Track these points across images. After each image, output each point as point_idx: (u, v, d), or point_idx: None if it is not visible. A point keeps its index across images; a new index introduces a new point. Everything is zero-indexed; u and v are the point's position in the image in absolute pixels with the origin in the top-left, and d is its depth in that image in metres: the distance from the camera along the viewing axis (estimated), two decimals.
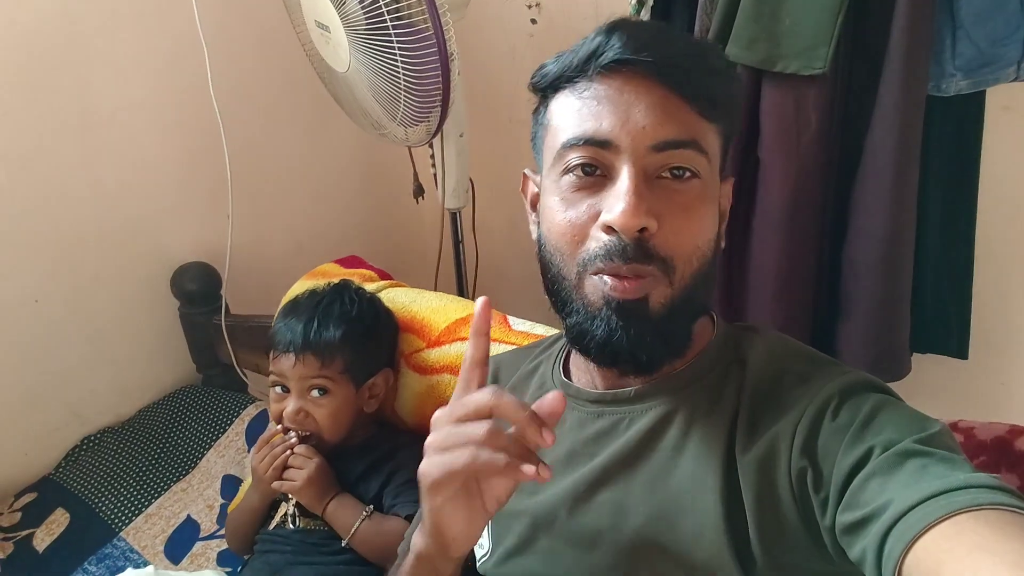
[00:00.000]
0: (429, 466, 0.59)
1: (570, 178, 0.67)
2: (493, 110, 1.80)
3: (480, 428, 0.56)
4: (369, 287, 1.28)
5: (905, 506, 0.50)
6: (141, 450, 1.51)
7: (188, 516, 1.39)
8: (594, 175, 0.66)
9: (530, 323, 1.13)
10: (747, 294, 1.33)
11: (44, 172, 1.42)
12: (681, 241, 0.65)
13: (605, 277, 0.65)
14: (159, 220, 1.61)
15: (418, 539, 0.67)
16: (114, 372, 1.60)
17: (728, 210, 0.75)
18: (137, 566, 1.25)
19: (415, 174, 1.71)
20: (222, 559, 1.29)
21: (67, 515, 1.38)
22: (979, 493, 0.49)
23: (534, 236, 0.75)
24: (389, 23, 1.18)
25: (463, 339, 0.58)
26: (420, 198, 1.75)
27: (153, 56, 1.52)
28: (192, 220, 1.65)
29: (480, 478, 0.60)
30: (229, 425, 1.56)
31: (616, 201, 0.63)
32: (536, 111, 0.74)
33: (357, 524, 1.04)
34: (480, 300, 0.62)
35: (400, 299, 1.25)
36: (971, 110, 1.21)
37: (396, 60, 1.21)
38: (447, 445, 0.58)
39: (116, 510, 1.39)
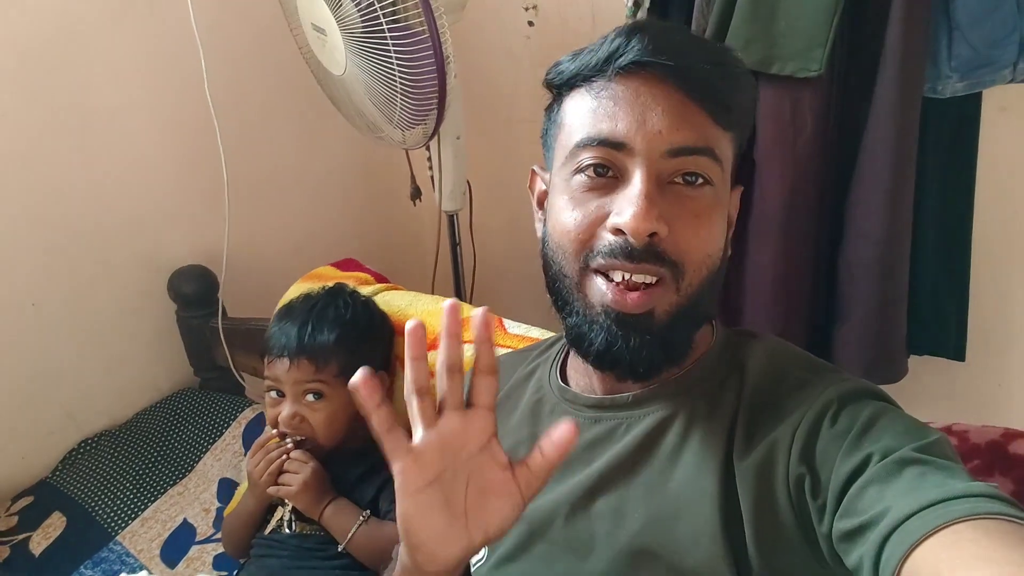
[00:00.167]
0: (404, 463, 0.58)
1: (581, 178, 0.66)
2: (490, 112, 1.80)
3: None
4: (365, 290, 1.27)
5: (903, 514, 0.50)
6: (138, 453, 1.51)
7: (184, 520, 1.38)
8: (606, 176, 0.65)
9: (526, 326, 1.13)
10: (744, 296, 1.33)
11: (40, 175, 1.41)
12: (691, 248, 0.65)
13: (604, 287, 0.65)
14: (156, 223, 1.61)
15: (401, 548, 0.66)
16: (111, 375, 1.60)
17: (735, 219, 0.74)
18: (133, 570, 1.24)
19: (412, 176, 1.71)
20: (218, 563, 1.29)
21: (63, 519, 1.37)
22: (977, 502, 0.49)
23: (539, 234, 0.75)
24: (385, 26, 1.17)
25: (467, 342, 0.58)
26: (417, 200, 1.74)
27: (149, 58, 1.51)
28: (189, 223, 1.65)
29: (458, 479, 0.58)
30: (226, 428, 1.56)
31: (627, 204, 0.62)
32: (549, 108, 0.74)
33: (353, 529, 1.03)
34: (480, 311, 0.60)
35: (396, 302, 1.24)
36: (967, 112, 1.21)
37: (392, 63, 1.20)
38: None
39: (113, 514, 1.39)
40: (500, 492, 0.58)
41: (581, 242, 0.66)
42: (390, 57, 1.20)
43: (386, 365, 1.18)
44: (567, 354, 0.81)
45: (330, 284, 1.22)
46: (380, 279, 1.39)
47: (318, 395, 1.08)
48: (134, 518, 1.39)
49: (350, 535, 1.04)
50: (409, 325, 0.57)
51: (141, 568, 1.26)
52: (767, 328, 1.29)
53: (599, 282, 0.65)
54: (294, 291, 1.33)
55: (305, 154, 1.86)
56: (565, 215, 0.67)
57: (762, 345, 0.72)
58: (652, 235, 0.63)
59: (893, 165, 1.16)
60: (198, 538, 1.35)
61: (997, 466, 0.79)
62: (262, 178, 1.76)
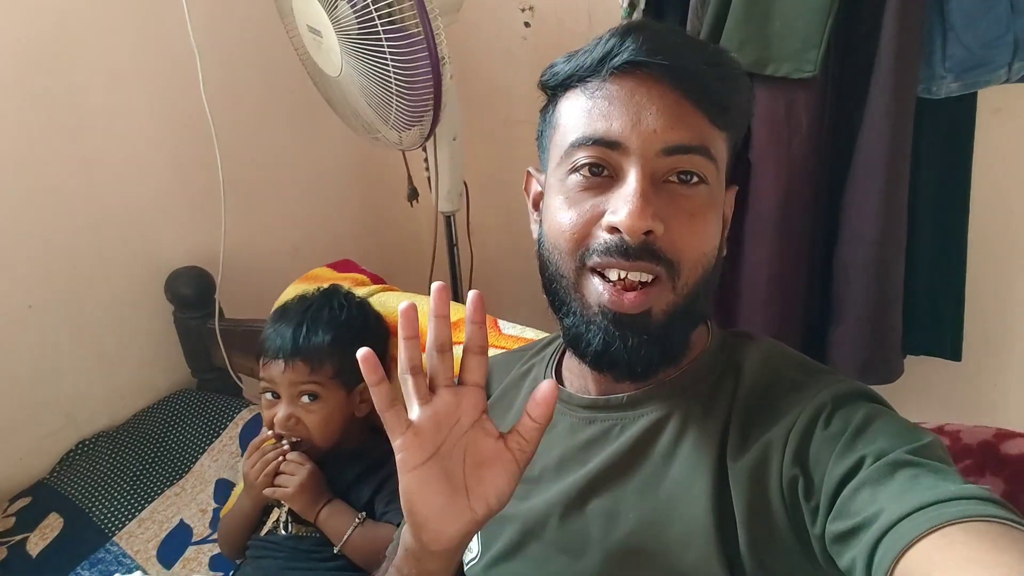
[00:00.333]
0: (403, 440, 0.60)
1: (576, 177, 0.67)
2: (487, 113, 1.80)
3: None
4: (360, 291, 1.28)
5: (895, 516, 0.50)
6: (135, 454, 1.51)
7: (181, 520, 1.39)
8: (601, 176, 0.66)
9: (520, 327, 1.13)
10: (739, 297, 1.33)
11: (37, 176, 1.41)
12: (687, 246, 0.65)
13: (601, 287, 0.65)
14: (153, 225, 1.61)
15: (404, 531, 0.67)
16: (108, 376, 1.60)
17: (730, 218, 0.75)
18: (129, 571, 1.25)
19: (409, 177, 1.71)
20: (214, 564, 1.29)
21: (61, 520, 1.37)
22: (970, 505, 0.49)
23: (535, 235, 0.75)
24: (380, 27, 1.17)
25: (459, 342, 0.58)
26: (414, 202, 1.75)
27: (145, 60, 1.51)
28: (186, 224, 1.65)
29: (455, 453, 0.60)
30: (223, 429, 1.56)
31: (622, 203, 0.63)
32: (544, 109, 0.74)
33: (349, 531, 1.04)
34: (472, 293, 0.61)
35: (391, 303, 1.25)
36: (962, 112, 1.21)
37: (387, 64, 1.21)
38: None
39: (110, 515, 1.39)
40: (495, 462, 0.61)
41: (577, 241, 0.66)
42: (385, 58, 1.20)
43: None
44: (562, 355, 0.81)
45: (325, 285, 1.22)
46: (376, 280, 1.39)
47: (313, 396, 1.08)
48: (131, 519, 1.39)
49: (346, 537, 1.04)
50: (402, 306, 0.60)
51: (137, 568, 1.26)
52: (762, 328, 1.29)
53: (596, 282, 0.66)
54: (291, 292, 1.33)
55: (302, 155, 1.86)
56: (561, 215, 0.67)
57: (757, 347, 0.72)
58: (648, 233, 0.63)
59: (887, 166, 1.16)
60: (194, 539, 1.35)
61: (989, 466, 0.79)
62: (259, 179, 1.76)
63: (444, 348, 0.60)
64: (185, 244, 1.65)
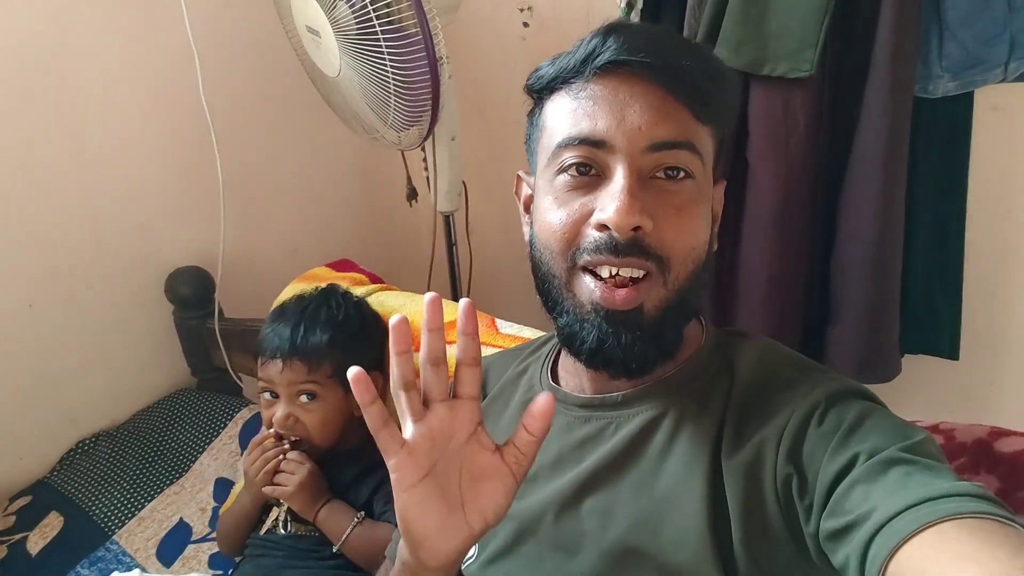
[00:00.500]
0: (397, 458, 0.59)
1: (564, 178, 0.67)
2: (486, 113, 1.80)
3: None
4: (358, 291, 1.28)
5: (889, 514, 0.50)
6: (135, 453, 1.51)
7: (180, 519, 1.39)
8: (588, 175, 0.66)
9: (518, 326, 1.13)
10: (737, 297, 1.33)
11: (37, 178, 1.42)
12: (676, 241, 0.65)
13: (592, 285, 0.65)
14: (152, 225, 1.61)
15: (401, 546, 0.67)
16: (109, 376, 1.60)
17: (720, 213, 0.75)
18: (128, 569, 1.25)
19: (408, 177, 1.71)
20: (213, 562, 1.30)
21: (61, 518, 1.38)
22: (963, 502, 0.49)
23: (526, 237, 0.75)
24: (378, 27, 1.18)
25: (452, 342, 0.58)
26: (413, 201, 1.75)
27: (145, 61, 1.52)
28: (185, 225, 1.65)
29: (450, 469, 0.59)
30: (223, 428, 1.56)
31: (610, 200, 0.63)
32: (531, 113, 0.75)
33: (348, 531, 1.04)
34: (463, 301, 0.61)
35: (390, 302, 1.25)
36: (959, 111, 1.21)
37: (385, 64, 1.21)
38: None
39: (109, 513, 1.39)
40: (492, 476, 0.60)
41: (567, 240, 0.66)
42: (383, 59, 1.20)
43: (380, 365, 1.18)
44: (558, 353, 0.82)
45: (323, 285, 1.22)
46: (375, 280, 1.40)
47: (311, 396, 1.08)
48: (131, 517, 1.39)
49: (344, 536, 1.04)
50: (392, 320, 0.58)
51: (136, 567, 1.27)
52: (761, 328, 1.29)
53: (587, 280, 0.66)
54: (290, 292, 1.34)
55: (301, 155, 1.86)
56: (551, 215, 0.67)
57: (752, 345, 0.72)
58: (636, 229, 0.63)
59: (884, 165, 1.16)
60: (194, 537, 1.35)
61: (983, 464, 0.79)
62: (258, 179, 1.76)
63: (438, 362, 0.59)
64: (185, 244, 1.65)
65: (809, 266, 1.30)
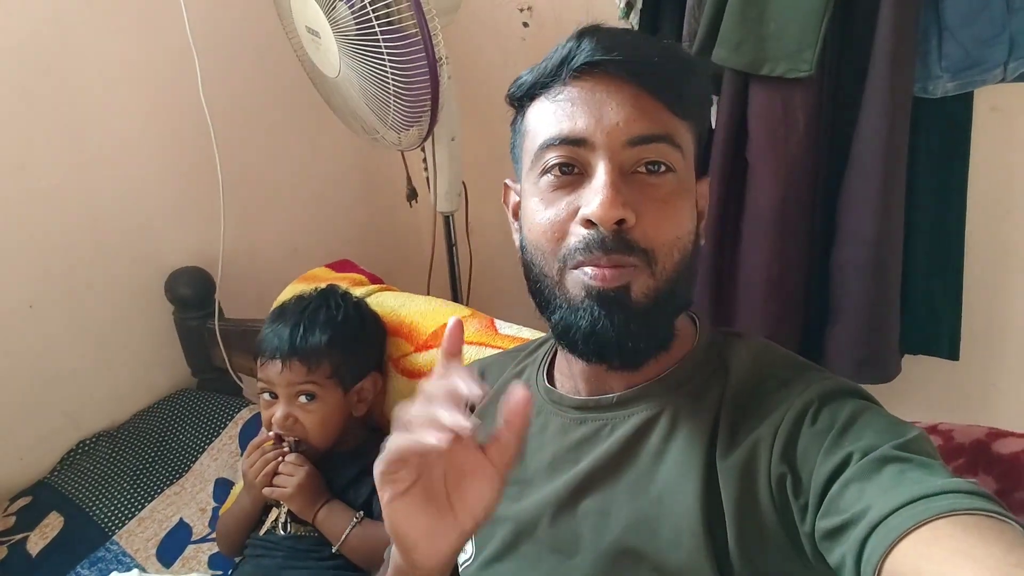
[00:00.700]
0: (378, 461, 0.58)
1: (548, 178, 0.68)
2: (486, 113, 1.79)
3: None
4: (358, 291, 1.28)
5: (884, 512, 0.51)
6: (135, 454, 1.52)
7: (180, 519, 1.39)
8: (572, 174, 0.67)
9: (517, 327, 1.13)
10: (737, 297, 1.33)
11: (37, 178, 1.42)
12: (660, 233, 0.66)
13: (586, 268, 0.65)
14: (152, 225, 1.61)
15: (394, 551, 0.67)
16: (109, 376, 1.60)
17: (706, 209, 0.75)
18: (128, 569, 1.25)
19: (408, 178, 1.72)
20: (213, 562, 1.30)
21: (61, 519, 1.38)
22: (957, 499, 0.50)
23: (517, 243, 0.76)
24: (377, 28, 1.18)
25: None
26: (413, 202, 1.75)
27: (144, 62, 1.52)
28: (185, 225, 1.66)
29: (433, 473, 0.58)
30: (223, 429, 1.56)
31: (593, 195, 0.64)
32: (513, 121, 0.76)
33: (347, 531, 1.04)
34: (452, 321, 0.61)
35: (389, 303, 1.25)
36: (959, 111, 1.21)
37: (385, 64, 1.21)
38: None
39: (110, 514, 1.40)
40: (476, 473, 0.59)
41: (556, 239, 0.67)
42: (383, 59, 1.21)
43: (379, 366, 1.19)
44: (554, 356, 0.82)
45: (323, 285, 1.22)
46: (375, 280, 1.40)
47: (311, 396, 1.08)
48: (131, 518, 1.39)
49: (344, 536, 1.04)
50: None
51: (135, 567, 1.27)
52: (760, 328, 1.29)
53: (577, 273, 0.66)
54: (289, 292, 1.34)
55: (301, 156, 1.86)
56: (538, 216, 0.68)
57: (746, 345, 0.72)
58: (620, 223, 0.64)
59: (884, 165, 1.16)
60: (194, 538, 1.36)
61: (980, 464, 0.79)
62: (258, 180, 1.77)
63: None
64: (185, 244, 1.65)
65: (808, 266, 1.30)
